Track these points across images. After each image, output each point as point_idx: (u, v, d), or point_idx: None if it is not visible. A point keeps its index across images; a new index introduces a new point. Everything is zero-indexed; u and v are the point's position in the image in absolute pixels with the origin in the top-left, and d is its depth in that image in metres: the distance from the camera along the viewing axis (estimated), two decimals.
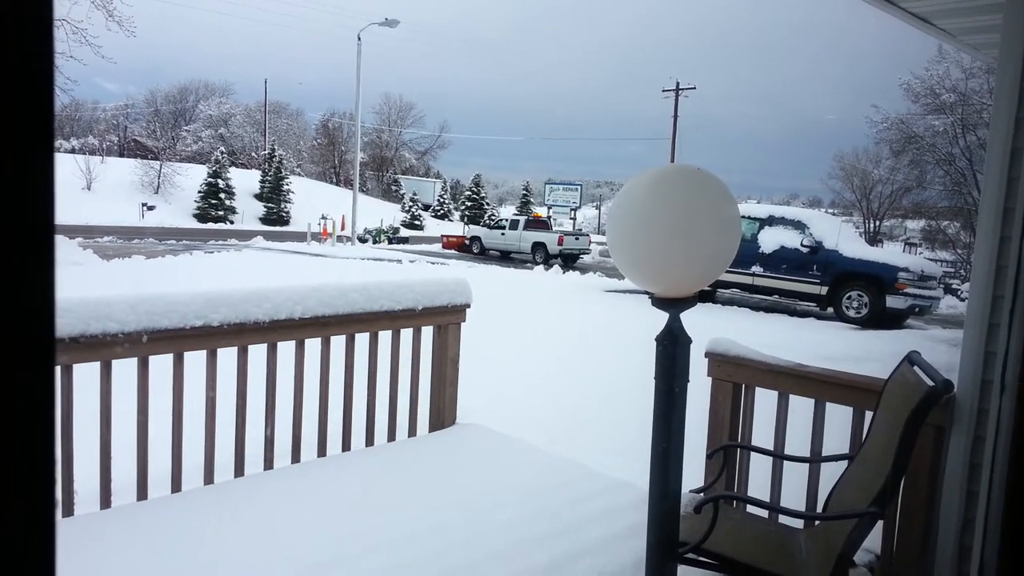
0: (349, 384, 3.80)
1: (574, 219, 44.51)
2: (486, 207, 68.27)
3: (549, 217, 43.21)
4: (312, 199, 56.01)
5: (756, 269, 16.14)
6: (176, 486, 3.22)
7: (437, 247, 36.28)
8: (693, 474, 3.18)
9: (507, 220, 33.84)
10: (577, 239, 31.63)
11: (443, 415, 4.24)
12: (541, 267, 23.92)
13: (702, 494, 2.87)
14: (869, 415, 3.09)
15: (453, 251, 34.88)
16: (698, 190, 2.00)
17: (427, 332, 4.18)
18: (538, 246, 31.23)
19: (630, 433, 5.03)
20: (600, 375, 7.63)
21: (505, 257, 32.75)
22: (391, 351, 3.96)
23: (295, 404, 3.60)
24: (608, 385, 7.19)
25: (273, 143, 62.80)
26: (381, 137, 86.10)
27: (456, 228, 51.04)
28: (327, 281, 3.72)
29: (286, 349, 3.57)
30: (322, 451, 3.75)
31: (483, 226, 36.15)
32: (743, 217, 16.20)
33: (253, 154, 73.40)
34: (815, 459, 3.08)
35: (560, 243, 30.70)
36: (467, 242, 35.01)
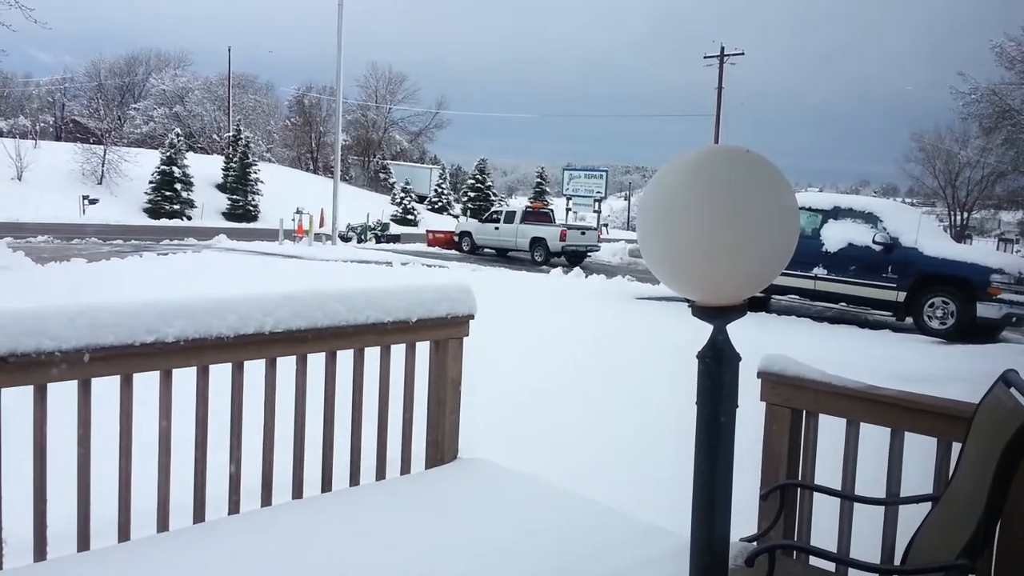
0: (330, 412, 3.81)
1: (598, 212, 43.97)
2: (493, 198, 67.08)
3: (569, 207, 42.32)
4: (285, 190, 55.31)
5: (818, 271, 15.92)
6: (124, 534, 3.23)
7: (434, 249, 36.11)
8: (743, 519, 3.14)
9: (501, 212, 33.79)
10: (583, 233, 31.69)
11: (443, 448, 4.24)
12: (559, 270, 23.97)
13: (755, 543, 2.86)
14: (957, 447, 3.02)
15: (448, 250, 34.91)
16: (747, 176, 2.01)
17: (423, 349, 4.18)
18: (537, 242, 31.22)
19: (667, 469, 5.02)
20: (631, 399, 7.63)
21: (503, 256, 32.96)
22: (380, 372, 3.97)
23: (266, 436, 3.60)
24: (641, 411, 7.19)
25: (238, 123, 62.34)
26: (367, 115, 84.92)
27: (447, 223, 50.53)
28: (303, 288, 3.74)
29: (254, 369, 3.57)
30: (298, 492, 3.76)
31: (475, 219, 36.44)
32: (802, 208, 15.78)
33: (215, 137, 73.27)
34: (892, 501, 3.05)
35: (563, 238, 30.66)
36: (456, 239, 35.01)
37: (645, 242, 2.10)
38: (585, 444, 6.34)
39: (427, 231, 39.00)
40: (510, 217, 32.78)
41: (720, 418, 2.10)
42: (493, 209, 35.85)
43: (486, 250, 33.83)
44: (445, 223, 51.40)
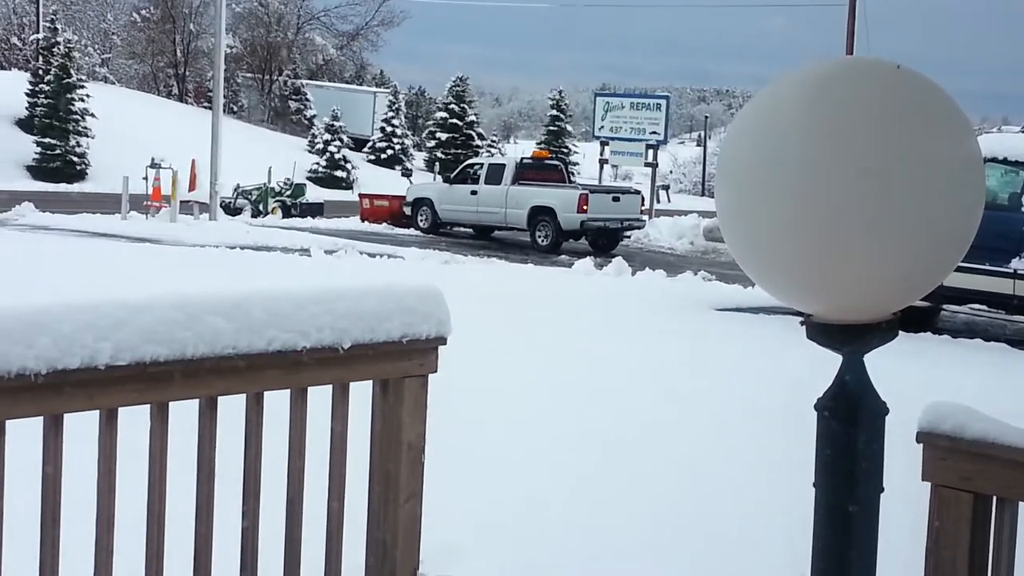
0: (206, 496, 2.64)
1: (654, 166, 29.29)
2: (478, 143, 47.39)
3: (604, 158, 28.42)
4: (132, 129, 38.06)
5: (1020, 265, 10.45)
6: None
7: (380, 227, 25.00)
8: None
9: (480, 165, 23.62)
10: (617, 199, 21.50)
11: (392, 559, 3.02)
12: (586, 261, 16.58)
13: None
14: None
15: (397, 228, 24.91)
16: (902, 108, 1.60)
17: (360, 393, 2.98)
18: (540, 215, 20.99)
19: None
20: (694, 474, 5.28)
21: (486, 237, 23.36)
22: (291, 431, 2.78)
23: (99, 538, 2.44)
24: (711, 498, 4.87)
25: (54, 18, 42.73)
26: (268, 5, 57.40)
27: (396, 185, 29.65)
28: (162, 294, 2.63)
29: (81, 427, 2.49)
30: None
31: (438, 178, 25.30)
32: (990, 161, 10.28)
33: (14, 41, 49.81)
34: None
35: (583, 208, 20.44)
36: (406, 209, 24.35)
37: (730, 217, 1.75)
38: (618, 547, 4.21)
39: (360, 196, 27.91)
40: (495, 174, 22.21)
41: (849, 507, 1.77)
42: (468, 162, 25.77)
43: (457, 228, 23.83)
44: (394, 185, 30.87)
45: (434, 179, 27.37)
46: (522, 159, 23.87)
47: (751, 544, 4.26)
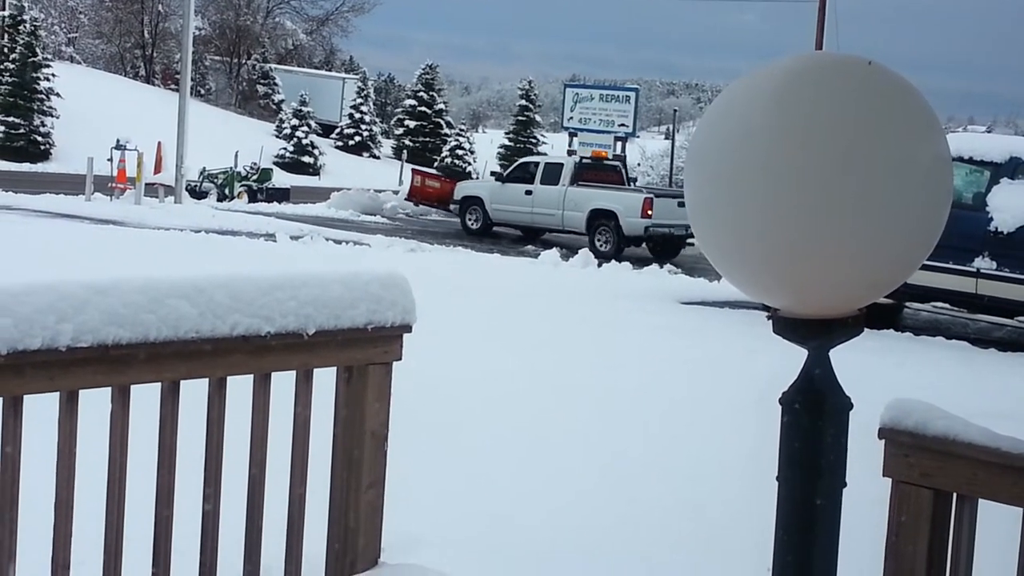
0: (166, 481, 2.61)
1: (622, 158, 28.38)
2: (447, 132, 47.31)
3: (572, 149, 27.38)
4: (98, 109, 38.53)
5: (983, 264, 10.55)
6: None
7: (346, 213, 24.54)
8: None
9: (536, 164, 22.51)
10: (683, 204, 19.99)
11: (353, 546, 3.01)
12: (552, 252, 16.55)
13: None
14: None
15: (434, 208, 25.10)
16: (871, 104, 1.59)
17: (324, 379, 2.96)
18: (601, 220, 19.87)
19: None
20: (665, 461, 5.34)
21: (532, 239, 21.58)
22: (252, 416, 2.75)
23: (58, 521, 2.42)
24: (683, 482, 4.98)
25: None
26: None
27: (361, 171, 31.36)
28: (126, 276, 2.58)
29: (40, 408, 2.45)
30: None
31: (491, 178, 24.17)
32: (956, 160, 9.70)
33: None
34: None
35: (647, 213, 19.33)
36: (455, 207, 23.71)
37: (699, 211, 1.73)
38: (592, 534, 4.28)
39: (413, 172, 27.03)
40: (552, 174, 21.24)
41: (816, 501, 1.74)
42: (523, 160, 24.97)
43: (505, 228, 22.25)
44: (364, 173, 32.91)
45: (401, 167, 26.62)
46: (581, 159, 22.30)
47: (711, 537, 4.33)
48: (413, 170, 27.96)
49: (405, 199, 25.92)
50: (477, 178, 30.91)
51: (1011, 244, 10.46)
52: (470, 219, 22.62)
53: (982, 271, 10.59)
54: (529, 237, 21.83)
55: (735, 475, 4.87)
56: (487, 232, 22.15)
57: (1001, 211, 10.49)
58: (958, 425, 2.46)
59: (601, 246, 19.49)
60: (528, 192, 21.33)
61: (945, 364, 9.12)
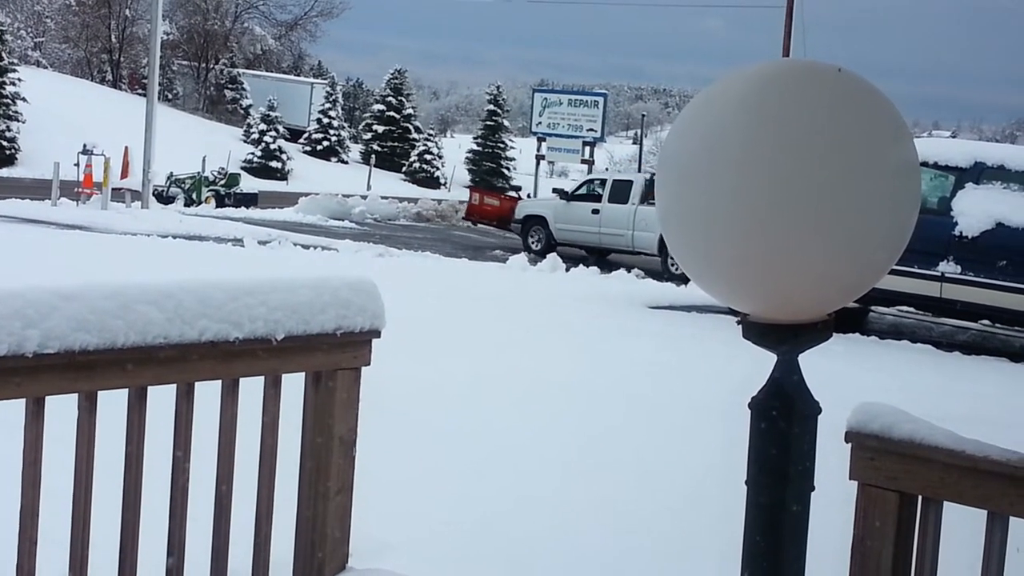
0: (133, 487, 2.58)
1: (590, 163, 29.13)
2: (416, 136, 47.32)
3: (541, 154, 27.99)
4: (64, 114, 38.27)
5: (947, 268, 10.65)
6: None
7: (314, 218, 24.39)
8: None
9: (603, 182, 21.52)
10: None
11: (321, 552, 2.97)
12: (520, 257, 16.58)
13: None
14: None
15: (494, 228, 23.79)
16: (841, 111, 1.61)
17: (292, 385, 2.93)
18: None
19: None
20: (635, 466, 5.32)
21: (599, 260, 19.74)
22: (220, 422, 2.74)
23: (23, 528, 2.38)
24: (654, 485, 4.94)
25: None
26: None
27: (329, 175, 29.86)
28: (92, 282, 2.55)
29: (8, 415, 2.46)
30: None
31: (555, 196, 22.37)
32: (921, 165, 8.56)
33: None
34: None
35: None
36: (516, 225, 22.33)
37: (670, 216, 1.73)
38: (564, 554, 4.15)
39: (471, 190, 25.77)
40: (621, 192, 20.26)
41: (784, 505, 1.73)
42: (588, 178, 23.54)
43: (570, 248, 20.71)
44: (331, 177, 33.22)
45: (370, 172, 25.84)
46: (651, 176, 20.17)
47: (684, 536, 4.32)
48: (471, 188, 27.41)
49: (463, 218, 25.26)
50: (471, 186, 30.13)
51: (975, 248, 10.55)
52: (532, 239, 21.53)
53: (947, 275, 10.68)
54: (594, 258, 20.23)
55: (704, 479, 4.87)
56: (552, 249, 20.20)
57: (966, 215, 10.63)
58: (924, 428, 2.47)
59: (675, 268, 17.49)
60: (595, 211, 20.46)
61: (911, 367, 9.16)
